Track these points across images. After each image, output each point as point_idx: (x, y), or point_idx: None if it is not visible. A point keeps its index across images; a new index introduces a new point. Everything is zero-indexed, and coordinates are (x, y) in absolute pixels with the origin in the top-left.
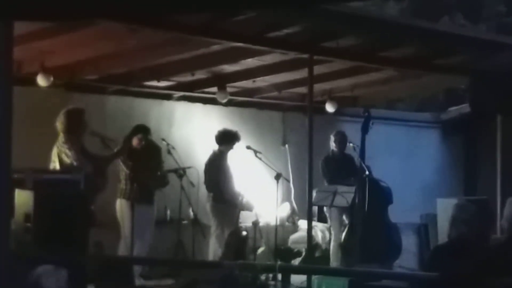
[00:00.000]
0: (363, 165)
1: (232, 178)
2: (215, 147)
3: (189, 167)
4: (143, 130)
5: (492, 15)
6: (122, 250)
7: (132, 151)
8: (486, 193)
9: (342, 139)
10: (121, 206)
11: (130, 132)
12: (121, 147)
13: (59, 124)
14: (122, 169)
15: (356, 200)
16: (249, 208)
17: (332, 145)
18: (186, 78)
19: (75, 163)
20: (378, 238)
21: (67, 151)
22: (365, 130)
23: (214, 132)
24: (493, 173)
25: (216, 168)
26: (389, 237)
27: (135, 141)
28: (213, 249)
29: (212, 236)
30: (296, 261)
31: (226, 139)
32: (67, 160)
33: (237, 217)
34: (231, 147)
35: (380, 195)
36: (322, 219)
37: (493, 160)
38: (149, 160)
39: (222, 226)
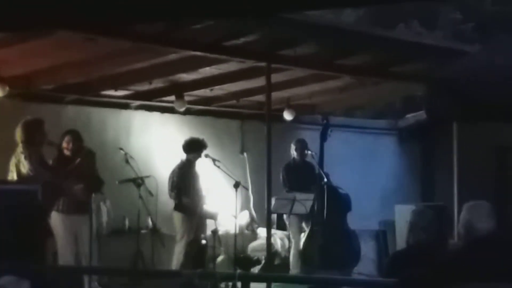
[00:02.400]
0: (322, 172)
1: (198, 186)
2: (183, 156)
3: (147, 176)
4: (71, 133)
5: (448, 22)
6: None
7: (62, 158)
8: (443, 199)
9: (303, 147)
10: (53, 219)
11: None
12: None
13: (18, 134)
14: None
15: (315, 208)
16: (212, 217)
17: (293, 153)
18: (144, 87)
19: (31, 174)
20: (337, 245)
21: (24, 161)
22: (323, 137)
23: (180, 141)
24: (450, 179)
25: (180, 176)
26: (348, 244)
27: (64, 146)
28: (177, 258)
29: (176, 244)
30: (255, 269)
31: (194, 147)
32: (24, 171)
33: (200, 226)
34: (199, 156)
35: (338, 202)
36: (281, 226)
37: (450, 166)
38: (79, 167)
39: (183, 234)
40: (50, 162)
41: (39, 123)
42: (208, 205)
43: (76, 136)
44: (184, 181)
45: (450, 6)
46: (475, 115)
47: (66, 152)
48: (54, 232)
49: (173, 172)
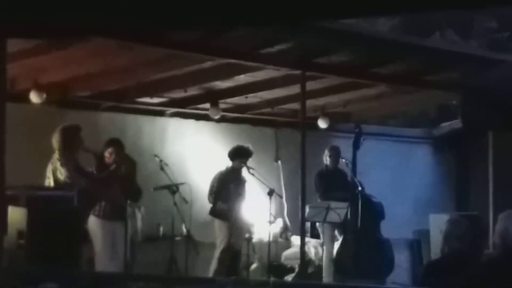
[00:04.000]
0: (355, 180)
1: (240, 194)
2: (229, 163)
3: (182, 183)
4: (114, 143)
5: (483, 31)
6: (97, 268)
7: (103, 166)
8: (478, 208)
9: (336, 154)
10: (91, 223)
11: (103, 147)
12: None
13: (55, 141)
14: None
15: (349, 216)
16: (248, 225)
17: (327, 160)
18: (179, 94)
19: (68, 181)
20: (371, 254)
21: (61, 168)
22: (356, 146)
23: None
24: (485, 188)
25: (221, 182)
26: (381, 252)
27: (106, 155)
28: (214, 263)
29: (216, 250)
30: (289, 277)
31: (239, 155)
32: (60, 177)
33: (238, 233)
34: (244, 163)
35: (372, 211)
36: (315, 235)
37: (485, 175)
38: (120, 174)
39: (222, 240)
40: (90, 169)
41: (76, 129)
42: (245, 213)
43: (119, 146)
44: (223, 187)
45: (485, 15)
46: (511, 124)
47: (108, 161)
48: (91, 237)
49: (215, 177)
